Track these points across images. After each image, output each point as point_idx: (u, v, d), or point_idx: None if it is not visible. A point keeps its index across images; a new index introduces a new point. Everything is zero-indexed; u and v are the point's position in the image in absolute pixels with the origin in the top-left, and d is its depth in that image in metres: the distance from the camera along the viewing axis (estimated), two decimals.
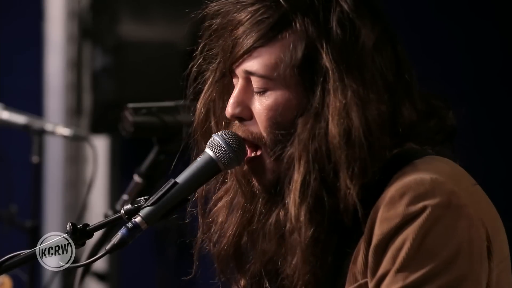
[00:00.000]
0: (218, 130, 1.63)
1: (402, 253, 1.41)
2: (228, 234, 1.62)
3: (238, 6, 1.56)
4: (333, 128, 1.49)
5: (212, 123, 1.65)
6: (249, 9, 1.54)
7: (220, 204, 1.65)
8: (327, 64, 1.49)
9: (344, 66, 1.49)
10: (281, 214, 1.56)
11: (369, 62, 1.49)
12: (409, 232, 1.42)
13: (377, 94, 1.49)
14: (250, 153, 1.59)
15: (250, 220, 1.61)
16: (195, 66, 1.65)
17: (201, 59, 1.64)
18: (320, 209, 1.50)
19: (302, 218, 1.50)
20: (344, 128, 1.47)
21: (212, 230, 1.65)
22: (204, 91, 1.64)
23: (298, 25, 1.52)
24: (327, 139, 1.49)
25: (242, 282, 1.64)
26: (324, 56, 1.49)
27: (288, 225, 1.53)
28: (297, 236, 1.51)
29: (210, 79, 1.63)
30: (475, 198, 1.48)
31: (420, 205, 1.43)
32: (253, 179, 1.60)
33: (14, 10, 4.47)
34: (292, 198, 1.51)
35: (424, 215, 1.42)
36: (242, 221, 1.62)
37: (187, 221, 1.68)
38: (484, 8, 3.94)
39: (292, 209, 1.51)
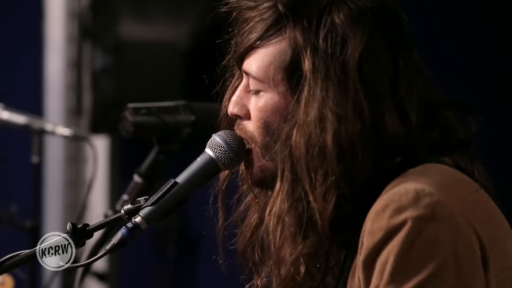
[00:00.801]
0: None
1: (388, 268, 1.39)
2: (247, 229, 1.63)
3: (252, 5, 1.57)
4: (298, 138, 1.48)
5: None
6: (259, 7, 1.55)
7: (246, 200, 1.66)
8: (308, 72, 1.49)
9: (324, 75, 1.48)
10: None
11: (353, 74, 1.47)
12: (393, 246, 1.39)
13: (358, 106, 1.47)
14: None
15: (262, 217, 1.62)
16: (226, 61, 1.66)
17: (231, 55, 1.65)
18: (301, 221, 1.49)
19: (279, 230, 1.50)
20: (316, 139, 1.46)
21: (241, 226, 1.65)
22: (230, 85, 1.65)
23: (288, 30, 1.52)
24: (295, 150, 1.48)
25: (263, 276, 1.64)
26: (306, 63, 1.49)
27: (265, 236, 1.54)
28: (272, 248, 1.52)
29: (236, 75, 1.64)
30: (469, 207, 1.45)
31: (402, 217, 1.40)
32: (245, 170, 1.61)
33: (14, 10, 4.47)
34: (270, 209, 1.51)
35: (406, 227, 1.39)
36: (257, 217, 1.62)
37: (209, 214, 1.68)
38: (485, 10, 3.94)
39: (271, 221, 1.51)
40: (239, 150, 1.60)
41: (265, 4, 1.55)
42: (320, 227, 1.46)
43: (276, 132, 1.52)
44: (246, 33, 1.56)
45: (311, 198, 1.46)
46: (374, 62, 1.49)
